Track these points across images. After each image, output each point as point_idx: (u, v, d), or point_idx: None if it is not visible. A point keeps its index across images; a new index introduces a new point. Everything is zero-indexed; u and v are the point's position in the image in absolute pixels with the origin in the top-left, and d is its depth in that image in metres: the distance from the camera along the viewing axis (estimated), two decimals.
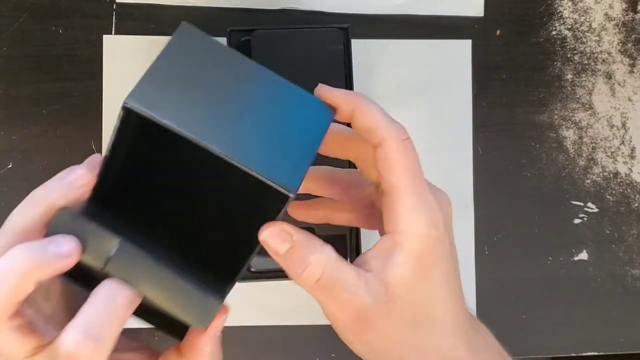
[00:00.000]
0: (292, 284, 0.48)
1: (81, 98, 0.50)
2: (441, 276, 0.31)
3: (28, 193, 0.31)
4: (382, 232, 0.32)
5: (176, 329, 0.35)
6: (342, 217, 0.37)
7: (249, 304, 0.50)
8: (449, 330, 0.32)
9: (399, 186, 0.30)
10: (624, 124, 0.53)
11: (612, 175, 0.53)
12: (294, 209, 0.37)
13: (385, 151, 0.31)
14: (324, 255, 0.30)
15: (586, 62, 0.53)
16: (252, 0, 0.51)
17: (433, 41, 0.52)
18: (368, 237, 0.45)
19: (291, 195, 0.28)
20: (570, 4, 0.53)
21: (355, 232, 0.46)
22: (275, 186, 0.28)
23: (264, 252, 0.46)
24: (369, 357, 0.32)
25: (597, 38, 0.53)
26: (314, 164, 0.30)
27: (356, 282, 0.30)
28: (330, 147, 0.34)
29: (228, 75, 0.31)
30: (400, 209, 0.30)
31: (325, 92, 0.33)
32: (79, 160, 0.50)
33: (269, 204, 0.30)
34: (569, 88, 0.53)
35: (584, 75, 0.53)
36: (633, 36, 0.54)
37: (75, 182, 0.30)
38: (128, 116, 0.29)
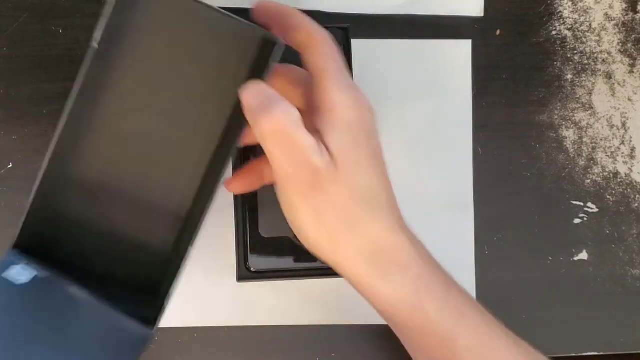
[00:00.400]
0: (292, 284, 0.48)
1: None
2: (369, 150, 0.35)
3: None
4: None
5: None
6: (270, 175, 0.38)
7: (249, 304, 0.50)
8: (386, 212, 0.35)
9: (328, 68, 0.34)
10: (624, 124, 0.53)
11: (612, 175, 0.53)
12: (230, 186, 0.40)
13: (315, 44, 0.35)
14: (293, 109, 0.33)
15: (586, 62, 0.53)
16: (252, 1, 0.51)
17: (433, 41, 0.52)
18: None
19: None
20: (570, 4, 0.53)
21: None
22: None
23: (263, 252, 0.46)
24: (306, 221, 0.34)
25: (597, 38, 0.53)
26: None
27: (315, 145, 0.33)
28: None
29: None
30: (330, 86, 0.34)
31: (259, 9, 0.37)
32: None
33: None
34: (569, 88, 0.53)
35: (584, 75, 0.53)
36: (633, 36, 0.54)
37: None
38: None
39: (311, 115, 0.35)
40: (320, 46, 0.35)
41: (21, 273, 0.33)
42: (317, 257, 0.36)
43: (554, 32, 0.53)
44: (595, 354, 0.52)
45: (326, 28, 0.45)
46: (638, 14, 0.54)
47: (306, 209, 0.34)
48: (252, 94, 0.33)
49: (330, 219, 0.34)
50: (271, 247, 0.46)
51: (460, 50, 0.52)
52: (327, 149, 0.33)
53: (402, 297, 0.35)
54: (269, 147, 0.33)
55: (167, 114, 0.36)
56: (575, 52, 0.53)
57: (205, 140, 0.36)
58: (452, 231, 0.51)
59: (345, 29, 0.46)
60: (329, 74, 0.34)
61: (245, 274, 0.46)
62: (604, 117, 0.53)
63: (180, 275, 0.36)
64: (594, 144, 0.53)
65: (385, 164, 0.37)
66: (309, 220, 0.34)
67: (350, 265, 0.35)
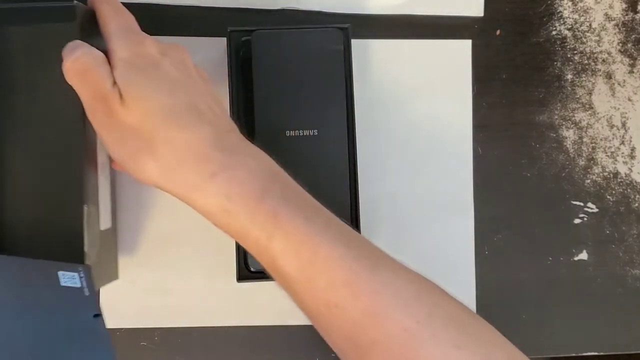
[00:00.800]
0: None
1: None
2: (153, 73, 0.38)
3: None
4: None
5: None
6: None
7: (249, 304, 0.50)
8: (184, 126, 0.37)
9: (106, 31, 0.39)
10: (623, 124, 0.53)
11: (612, 175, 0.53)
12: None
13: (96, 9, 0.40)
14: (95, 51, 0.38)
15: (586, 62, 0.53)
16: (252, 0, 0.51)
17: (433, 41, 0.52)
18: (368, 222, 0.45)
19: None
20: (570, 4, 0.53)
21: (355, 217, 0.45)
22: None
23: None
24: (112, 146, 0.37)
25: (597, 38, 0.53)
26: None
27: (107, 75, 0.37)
28: None
29: None
30: (109, 41, 0.39)
31: None
32: None
33: None
34: (569, 88, 0.53)
35: (583, 75, 0.53)
36: (633, 36, 0.54)
37: None
38: None
39: None
40: (98, 11, 0.40)
41: None
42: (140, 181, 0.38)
43: (554, 32, 0.53)
44: (595, 354, 0.52)
45: (326, 28, 0.46)
46: (638, 14, 0.54)
47: (109, 136, 0.37)
48: (66, 48, 0.38)
49: (129, 141, 0.37)
50: None
51: (460, 50, 0.52)
52: (116, 83, 0.37)
53: (215, 205, 0.36)
54: (72, 84, 0.37)
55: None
56: (575, 52, 0.53)
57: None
58: (452, 231, 0.51)
59: (346, 29, 0.46)
60: (107, 35, 0.39)
61: (245, 274, 0.46)
62: (604, 117, 0.53)
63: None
64: (594, 144, 0.53)
65: (186, 81, 0.39)
66: (116, 146, 0.37)
67: (156, 181, 0.37)
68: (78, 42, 0.38)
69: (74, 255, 0.41)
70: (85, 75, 0.37)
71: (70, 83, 0.38)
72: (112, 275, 0.47)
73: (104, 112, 0.37)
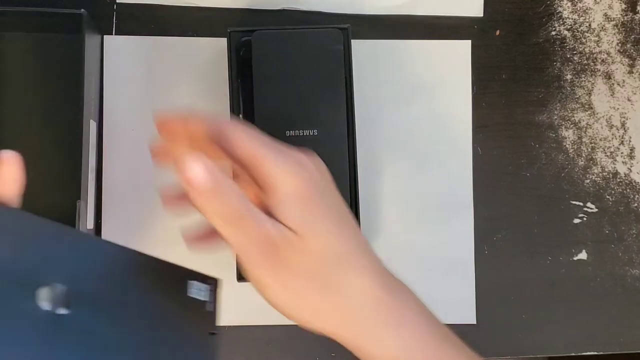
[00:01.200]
0: None
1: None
2: (325, 208, 0.34)
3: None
4: None
5: None
6: None
7: (249, 304, 0.50)
8: (359, 267, 0.34)
9: (257, 155, 0.33)
10: (623, 124, 0.54)
11: (611, 175, 0.53)
12: (192, 245, 0.40)
13: (228, 134, 0.34)
14: (240, 190, 0.32)
15: (585, 62, 0.53)
16: (252, 0, 0.51)
17: (433, 41, 0.52)
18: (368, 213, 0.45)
19: None
20: (569, 4, 0.53)
21: (354, 205, 0.45)
22: None
23: None
24: (283, 298, 0.33)
25: (597, 38, 0.54)
26: None
27: (269, 222, 0.32)
28: None
29: None
30: (267, 169, 0.33)
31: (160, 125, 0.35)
32: None
33: None
34: (568, 88, 0.53)
35: (583, 76, 0.53)
36: (632, 36, 0.54)
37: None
38: None
39: (259, 194, 0.35)
40: (233, 134, 0.34)
41: None
42: (301, 325, 0.35)
43: (553, 33, 0.53)
44: (595, 353, 0.52)
45: (326, 28, 0.46)
46: (637, 15, 0.54)
47: (275, 284, 0.33)
48: (198, 173, 0.31)
49: (300, 288, 0.33)
50: None
51: (460, 51, 0.52)
52: (282, 223, 0.33)
53: (390, 356, 0.34)
54: (221, 228, 0.32)
55: None
56: (575, 52, 0.53)
57: None
58: (452, 231, 0.51)
59: (345, 29, 0.46)
60: (257, 156, 0.33)
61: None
62: (603, 117, 0.53)
63: None
64: (593, 144, 0.53)
65: (349, 213, 0.36)
66: (280, 293, 0.33)
67: (335, 331, 0.34)
68: (217, 172, 0.31)
69: None
70: (241, 222, 0.32)
71: (212, 222, 0.32)
72: None
73: (267, 258, 0.32)
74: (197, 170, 0.30)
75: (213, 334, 0.34)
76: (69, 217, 0.45)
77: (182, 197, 0.38)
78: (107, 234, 0.49)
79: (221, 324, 0.50)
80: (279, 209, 0.33)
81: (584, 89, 0.53)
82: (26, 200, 0.46)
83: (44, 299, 0.28)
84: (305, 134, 0.45)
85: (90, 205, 0.47)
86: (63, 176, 0.47)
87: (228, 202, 0.31)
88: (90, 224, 0.47)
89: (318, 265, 0.33)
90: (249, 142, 0.33)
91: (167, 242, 0.49)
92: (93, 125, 0.47)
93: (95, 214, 0.49)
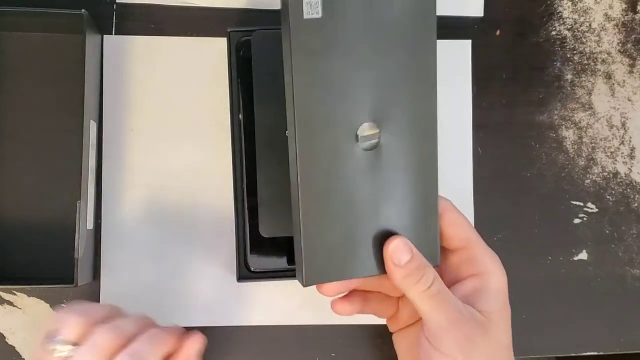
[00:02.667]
0: (292, 284, 0.48)
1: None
2: (509, 311, 0.40)
3: None
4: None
5: None
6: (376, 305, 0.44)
7: (249, 304, 0.50)
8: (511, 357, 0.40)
9: (473, 239, 0.40)
10: (623, 124, 0.53)
11: (611, 175, 0.53)
12: (336, 307, 0.43)
13: (450, 217, 0.40)
14: (433, 268, 0.38)
15: (586, 62, 0.53)
16: (252, 0, 0.51)
17: None
18: None
19: None
20: (570, 4, 0.53)
21: None
22: None
23: (263, 252, 0.46)
24: None
25: (597, 38, 0.54)
26: None
27: (461, 304, 0.38)
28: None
29: None
30: (480, 255, 0.40)
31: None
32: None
33: None
34: (568, 88, 0.53)
35: (583, 76, 0.53)
36: (633, 36, 0.54)
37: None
38: None
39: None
40: (454, 214, 0.41)
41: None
42: None
43: (553, 32, 0.53)
44: (595, 353, 0.52)
45: None
46: (638, 14, 0.54)
47: (459, 355, 0.38)
48: (406, 259, 0.37)
49: None
50: (271, 247, 0.46)
51: (460, 50, 0.52)
52: (482, 307, 0.39)
53: None
54: (424, 308, 0.38)
55: None
56: (575, 52, 0.53)
57: None
58: None
59: None
60: (476, 242, 0.40)
61: (245, 273, 0.46)
62: (603, 117, 0.53)
63: None
64: (593, 144, 0.53)
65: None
66: None
67: None
68: (421, 259, 0.38)
69: (64, 246, 0.44)
70: (442, 304, 0.38)
71: (414, 302, 0.38)
72: (88, 276, 0.47)
73: (464, 341, 0.38)
74: (406, 255, 0.37)
75: None
76: (69, 217, 0.46)
77: (350, 296, 0.43)
78: (106, 234, 0.49)
79: (221, 324, 0.50)
80: (484, 294, 0.39)
81: (584, 88, 0.53)
82: (27, 200, 0.47)
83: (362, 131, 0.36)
84: None
85: (90, 205, 0.47)
86: (63, 176, 0.48)
87: (429, 282, 0.37)
88: (90, 224, 0.47)
89: (499, 349, 0.39)
90: (468, 225, 0.41)
91: (167, 241, 0.49)
92: (93, 126, 0.47)
93: (95, 214, 0.49)
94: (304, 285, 0.37)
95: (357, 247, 0.38)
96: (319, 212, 0.37)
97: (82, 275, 0.44)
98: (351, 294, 0.43)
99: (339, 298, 0.43)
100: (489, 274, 0.39)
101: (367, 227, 0.38)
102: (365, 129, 0.37)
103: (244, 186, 0.46)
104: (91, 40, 0.46)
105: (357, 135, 0.37)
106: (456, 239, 0.40)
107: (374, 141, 0.37)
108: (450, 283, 0.40)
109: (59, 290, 0.48)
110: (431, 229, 0.39)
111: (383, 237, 0.38)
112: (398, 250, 0.37)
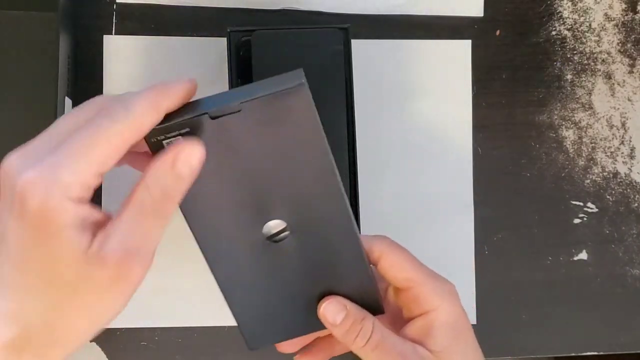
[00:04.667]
0: None
1: (81, 98, 0.50)
2: (470, 341, 0.39)
3: None
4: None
5: None
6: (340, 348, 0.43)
7: None
8: None
9: (415, 278, 0.38)
10: (623, 124, 0.53)
11: (611, 175, 0.53)
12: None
13: (388, 260, 0.38)
14: (372, 319, 0.38)
15: (586, 62, 0.53)
16: (252, 0, 0.51)
17: (433, 41, 0.52)
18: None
19: None
20: (570, 4, 0.53)
21: (355, 205, 0.45)
22: None
23: None
24: None
25: (597, 38, 0.54)
26: None
27: (404, 345, 0.37)
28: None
29: None
30: (424, 294, 0.38)
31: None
32: None
33: None
34: (568, 88, 0.53)
35: (583, 76, 0.53)
36: (633, 36, 0.54)
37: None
38: None
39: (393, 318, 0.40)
40: (392, 254, 0.38)
41: None
42: None
43: (553, 32, 0.53)
44: (595, 353, 0.52)
45: (326, 28, 0.46)
46: (638, 14, 0.54)
47: None
48: (340, 318, 0.37)
49: None
50: None
51: (460, 50, 0.52)
52: (430, 345, 0.38)
53: None
54: (362, 354, 0.37)
55: None
56: (575, 52, 0.53)
57: None
58: (452, 231, 0.51)
59: (345, 29, 0.46)
60: (419, 281, 0.38)
61: None
62: (603, 117, 0.53)
63: None
64: (593, 144, 0.53)
65: (481, 354, 0.40)
66: None
67: None
68: (353, 306, 0.38)
69: None
70: (383, 349, 0.38)
71: (362, 355, 0.38)
72: None
73: None
74: (340, 314, 0.37)
75: None
76: None
77: (313, 346, 0.43)
78: None
79: (221, 324, 0.50)
80: (432, 331, 0.38)
81: (584, 88, 0.53)
82: None
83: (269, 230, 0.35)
84: None
85: None
86: None
87: (367, 335, 0.37)
88: None
89: None
90: (409, 264, 0.38)
91: (167, 241, 0.49)
92: (68, 102, 0.47)
93: None
94: (250, 349, 0.39)
95: (296, 311, 0.38)
96: (240, 290, 0.37)
97: None
98: (315, 342, 0.42)
99: (301, 353, 0.42)
100: (436, 310, 0.38)
101: (301, 293, 0.38)
102: (272, 227, 0.36)
103: None
104: (66, 16, 0.46)
105: (265, 234, 0.36)
106: (398, 280, 0.39)
107: (282, 235, 0.36)
108: (405, 321, 0.39)
109: None
110: (365, 280, 0.38)
111: (321, 296, 0.38)
112: (330, 311, 0.37)
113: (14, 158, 0.29)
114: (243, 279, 0.37)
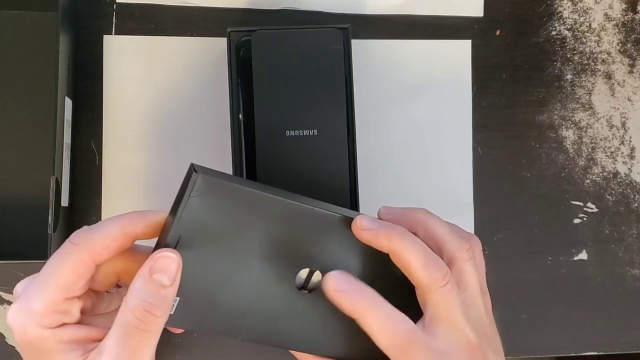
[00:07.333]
0: None
1: (81, 98, 0.50)
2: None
3: None
4: None
5: None
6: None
7: None
8: None
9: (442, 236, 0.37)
10: (623, 124, 0.53)
11: (611, 175, 0.53)
12: None
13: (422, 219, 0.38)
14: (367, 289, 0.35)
15: (586, 62, 0.53)
16: (252, 0, 0.51)
17: (433, 41, 0.52)
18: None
19: None
20: (570, 4, 0.53)
21: (355, 205, 0.45)
22: None
23: None
24: None
25: (597, 38, 0.54)
26: None
27: (398, 314, 0.35)
28: None
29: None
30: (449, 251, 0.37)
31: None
32: (78, 160, 0.50)
33: None
34: (568, 88, 0.53)
35: (583, 76, 0.53)
36: (633, 36, 0.54)
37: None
38: None
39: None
40: (428, 218, 0.38)
41: None
42: None
43: (553, 32, 0.53)
44: (595, 353, 0.52)
45: (326, 28, 0.46)
46: (638, 14, 0.54)
47: None
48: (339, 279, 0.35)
49: None
50: None
51: (460, 50, 0.52)
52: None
53: None
54: (369, 323, 0.35)
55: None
56: (575, 52, 0.53)
57: None
58: None
59: (345, 29, 0.46)
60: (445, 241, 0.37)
61: None
62: (603, 117, 0.53)
63: None
64: (593, 144, 0.53)
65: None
66: None
67: None
68: (351, 280, 0.35)
69: (38, 222, 0.45)
70: (384, 317, 0.35)
71: (359, 320, 0.35)
72: None
73: (400, 348, 0.35)
74: (339, 278, 0.35)
75: None
76: (43, 193, 0.46)
77: None
78: None
79: None
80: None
81: (584, 88, 0.53)
82: (1, 175, 0.48)
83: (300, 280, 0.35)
84: (305, 134, 0.45)
85: (65, 182, 0.47)
86: (37, 152, 0.48)
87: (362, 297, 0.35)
88: (65, 201, 0.47)
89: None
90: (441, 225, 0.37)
91: None
92: (68, 102, 0.47)
93: (70, 193, 0.49)
94: None
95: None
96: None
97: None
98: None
99: None
100: (464, 273, 0.37)
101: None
102: (304, 275, 0.36)
103: None
104: (66, 16, 0.46)
105: (297, 283, 0.36)
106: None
107: (314, 282, 0.36)
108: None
109: (37, 268, 0.47)
110: None
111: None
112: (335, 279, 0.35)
113: (18, 286, 0.32)
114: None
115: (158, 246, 0.32)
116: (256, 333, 0.36)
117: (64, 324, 0.31)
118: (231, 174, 0.46)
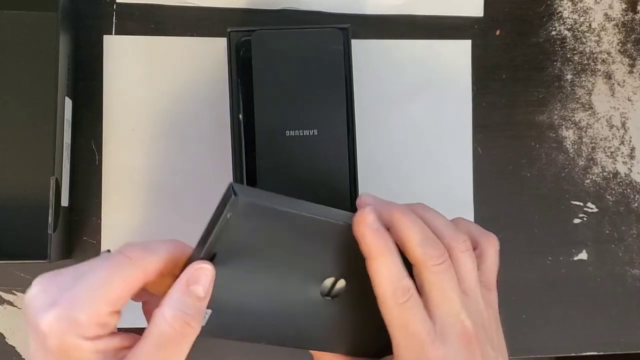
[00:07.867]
0: None
1: (81, 98, 0.50)
2: None
3: None
4: None
5: None
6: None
7: None
8: None
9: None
10: (623, 124, 0.53)
11: (611, 175, 0.53)
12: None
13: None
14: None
15: (586, 62, 0.53)
16: (252, 0, 0.51)
17: (433, 41, 0.52)
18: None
19: None
20: (570, 4, 0.53)
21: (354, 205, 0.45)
22: None
23: None
24: None
25: (597, 38, 0.54)
26: None
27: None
28: None
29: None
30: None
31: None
32: (78, 160, 0.50)
33: None
34: (568, 88, 0.53)
35: (583, 76, 0.53)
36: (633, 36, 0.54)
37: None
38: None
39: None
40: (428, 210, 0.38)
41: None
42: None
43: (553, 32, 0.53)
44: (595, 353, 0.52)
45: (326, 28, 0.46)
46: (638, 14, 0.54)
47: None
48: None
49: None
50: None
51: (460, 50, 0.52)
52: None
53: None
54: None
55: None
56: (575, 52, 0.53)
57: None
58: None
59: (345, 29, 0.46)
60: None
61: None
62: (603, 117, 0.53)
63: None
64: (593, 144, 0.53)
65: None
66: None
67: None
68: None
69: (39, 222, 0.45)
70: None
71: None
72: (65, 254, 0.48)
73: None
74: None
75: None
76: (43, 193, 0.46)
77: None
78: (106, 234, 0.49)
79: None
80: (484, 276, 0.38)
81: (584, 88, 0.53)
82: (1, 175, 0.48)
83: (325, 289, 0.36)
84: (305, 134, 0.45)
85: (65, 181, 0.47)
86: (37, 152, 0.48)
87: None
88: (65, 201, 0.47)
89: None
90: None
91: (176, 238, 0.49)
92: (68, 102, 0.47)
93: (70, 192, 0.49)
94: None
95: None
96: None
97: (56, 251, 0.44)
98: None
99: None
100: (487, 259, 0.40)
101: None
102: (329, 284, 0.36)
103: None
104: (66, 16, 0.46)
105: (321, 291, 0.36)
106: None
107: (338, 289, 0.36)
108: None
109: (37, 268, 0.47)
110: None
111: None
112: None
113: (38, 291, 0.31)
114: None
115: (190, 260, 0.32)
116: (280, 337, 0.36)
117: (101, 335, 0.31)
118: (231, 173, 0.46)
